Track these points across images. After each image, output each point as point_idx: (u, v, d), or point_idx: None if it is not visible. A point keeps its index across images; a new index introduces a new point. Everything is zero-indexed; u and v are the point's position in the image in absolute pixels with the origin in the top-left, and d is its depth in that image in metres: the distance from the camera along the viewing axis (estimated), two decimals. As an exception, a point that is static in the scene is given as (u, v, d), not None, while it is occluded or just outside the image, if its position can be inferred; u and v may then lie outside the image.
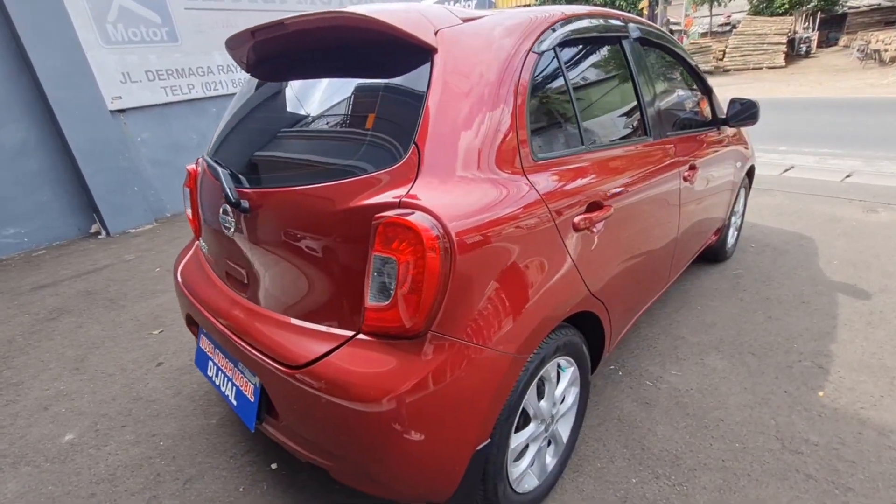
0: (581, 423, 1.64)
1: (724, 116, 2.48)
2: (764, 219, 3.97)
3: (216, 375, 1.50)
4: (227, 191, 1.26)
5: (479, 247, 1.03)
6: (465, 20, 1.24)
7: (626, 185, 1.52)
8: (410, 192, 1.02)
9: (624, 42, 1.76)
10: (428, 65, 1.12)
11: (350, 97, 1.23)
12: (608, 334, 1.61)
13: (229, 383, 1.42)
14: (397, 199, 1.01)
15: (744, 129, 3.05)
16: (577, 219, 1.29)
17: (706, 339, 2.34)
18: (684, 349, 2.27)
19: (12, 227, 4.29)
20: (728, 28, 25.70)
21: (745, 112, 2.38)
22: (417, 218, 0.97)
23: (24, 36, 3.99)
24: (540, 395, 1.39)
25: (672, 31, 33.49)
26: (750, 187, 3.34)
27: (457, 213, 1.01)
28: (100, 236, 4.69)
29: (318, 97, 1.30)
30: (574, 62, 1.53)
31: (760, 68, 18.16)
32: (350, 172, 1.10)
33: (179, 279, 1.72)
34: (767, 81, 15.44)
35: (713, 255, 3.08)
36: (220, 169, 1.35)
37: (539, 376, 1.31)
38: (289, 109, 1.35)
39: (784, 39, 18.27)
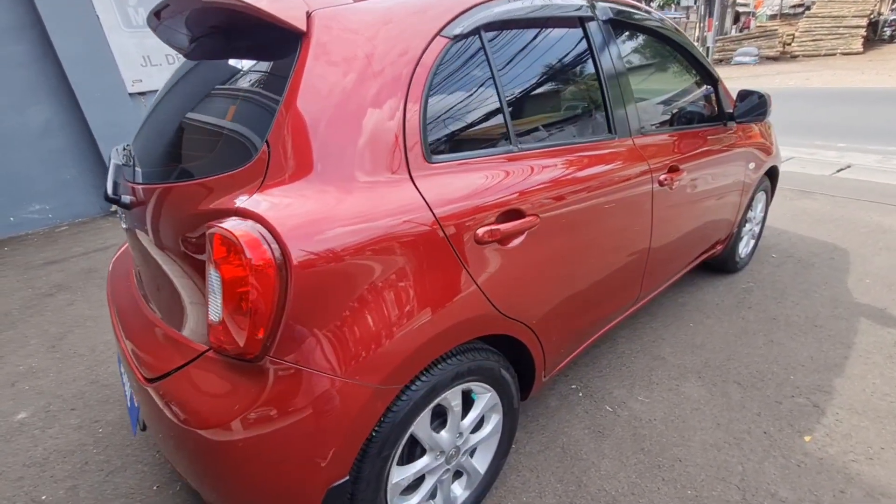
0: (506, 451, 1.49)
1: (731, 111, 2.18)
2: (797, 225, 3.56)
3: (120, 372, 1.46)
4: (107, 183, 1.20)
5: (331, 264, 0.90)
6: (360, -1, 1.09)
7: (564, 190, 1.33)
8: (252, 198, 0.90)
9: (589, 25, 1.54)
10: (295, 51, 0.98)
11: (222, 86, 1.12)
12: (539, 361, 1.43)
13: (126, 382, 1.38)
14: (234, 206, 0.89)
15: (765, 125, 2.70)
16: (481, 231, 1.12)
17: (689, 361, 2.10)
18: (660, 371, 2.04)
19: (37, 204, 4.55)
20: (801, 10, 23.50)
21: (751, 107, 2.08)
22: (245, 228, 0.85)
23: (46, 20, 4.16)
24: (444, 424, 1.25)
25: (739, 14, 31.06)
26: (773, 191, 2.97)
27: (302, 223, 0.88)
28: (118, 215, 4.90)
29: (201, 84, 1.19)
30: (508, 48, 1.33)
31: (833, 54, 16.49)
32: (204, 171, 1.00)
33: (111, 268, 1.69)
34: (838, 69, 14.01)
35: (721, 265, 2.77)
36: (113, 160, 1.29)
37: (435, 403, 1.17)
38: (181, 97, 1.26)
39: (864, 22, 16.45)
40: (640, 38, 1.84)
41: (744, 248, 2.84)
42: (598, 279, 1.55)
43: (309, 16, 0.99)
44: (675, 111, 2.02)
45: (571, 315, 1.50)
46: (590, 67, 1.54)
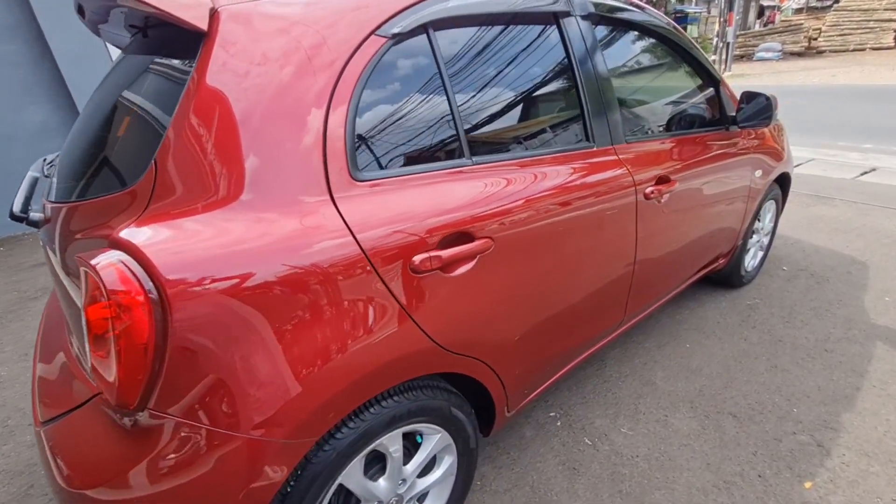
0: (464, 494, 1.35)
1: (734, 115, 1.99)
2: (812, 234, 3.32)
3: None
4: (14, 199, 1.10)
5: (220, 303, 0.77)
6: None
7: (526, 209, 1.18)
8: (131, 225, 0.78)
9: (564, 21, 1.38)
10: (196, 55, 0.86)
11: (133, 93, 1.00)
12: (499, 398, 1.29)
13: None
14: (108, 234, 0.77)
15: (776, 127, 2.49)
16: (418, 259, 0.98)
17: (682, 388, 1.92)
18: (649, 399, 1.87)
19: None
20: (829, 3, 22.61)
21: (755, 111, 1.89)
22: (109, 261, 0.72)
23: (41, 20, 4.13)
24: (385, 470, 1.12)
25: (763, 8, 30.05)
26: (784, 198, 2.75)
27: (185, 255, 0.75)
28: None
29: (116, 89, 1.08)
30: (464, 48, 1.19)
31: (862, 49, 15.79)
32: (98, 190, 0.89)
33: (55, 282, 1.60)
34: (867, 65, 13.39)
35: (725, 279, 2.58)
36: (31, 172, 1.19)
37: (369, 450, 1.04)
38: (99, 103, 1.14)
39: (896, 16, 15.71)
40: (628, 36, 1.66)
41: (750, 260, 2.63)
42: (569, 305, 1.39)
43: (214, 14, 0.87)
44: (668, 116, 1.85)
45: (537, 345, 1.35)
46: (565, 69, 1.39)
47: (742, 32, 17.50)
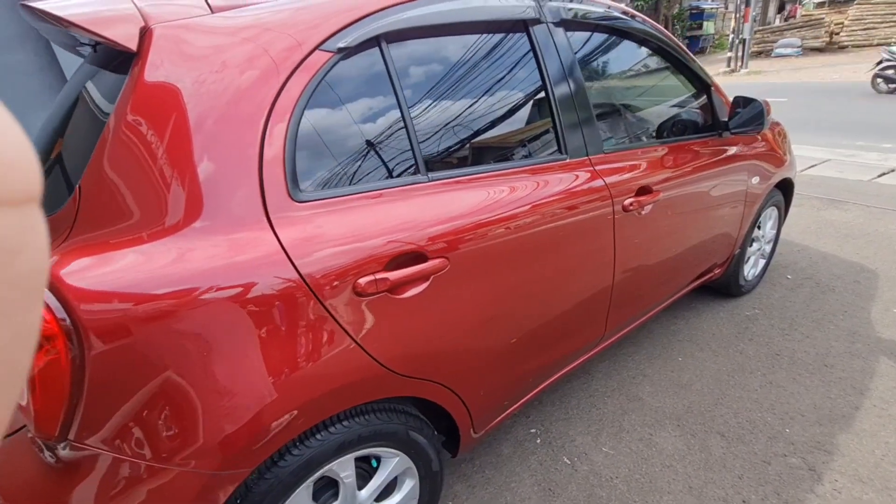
0: (429, 517, 1.31)
1: (727, 120, 1.91)
2: (821, 240, 3.19)
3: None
4: None
5: (142, 332, 0.75)
6: (221, 9, 0.93)
7: (488, 226, 1.13)
8: (53, 252, 0.76)
9: (534, 29, 1.33)
10: (126, 75, 0.84)
11: (75, 110, 0.99)
12: (463, 420, 1.25)
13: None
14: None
15: (777, 131, 2.40)
16: (363, 281, 0.95)
17: (670, 404, 1.85)
18: (634, 416, 1.81)
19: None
20: (854, -4, 21.89)
21: (746, 118, 1.81)
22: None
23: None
24: (336, 496, 1.09)
25: (784, 2, 29.23)
26: (787, 205, 2.65)
27: (104, 284, 0.73)
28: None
29: (64, 106, 1.07)
30: (422, 61, 1.15)
31: (888, 44, 15.24)
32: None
33: None
34: (892, 60, 12.90)
35: (723, 289, 2.49)
36: None
37: (317, 477, 1.01)
38: (52, 117, 1.13)
39: (924, 8, 15.10)
40: (608, 42, 1.60)
41: (750, 269, 2.54)
42: (538, 323, 1.34)
43: (145, 32, 0.84)
44: (655, 124, 1.78)
45: (504, 366, 1.30)
46: (534, 79, 1.34)
47: (760, 28, 17.05)
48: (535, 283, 1.28)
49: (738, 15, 12.06)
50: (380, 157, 1.06)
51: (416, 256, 1.02)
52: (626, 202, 1.47)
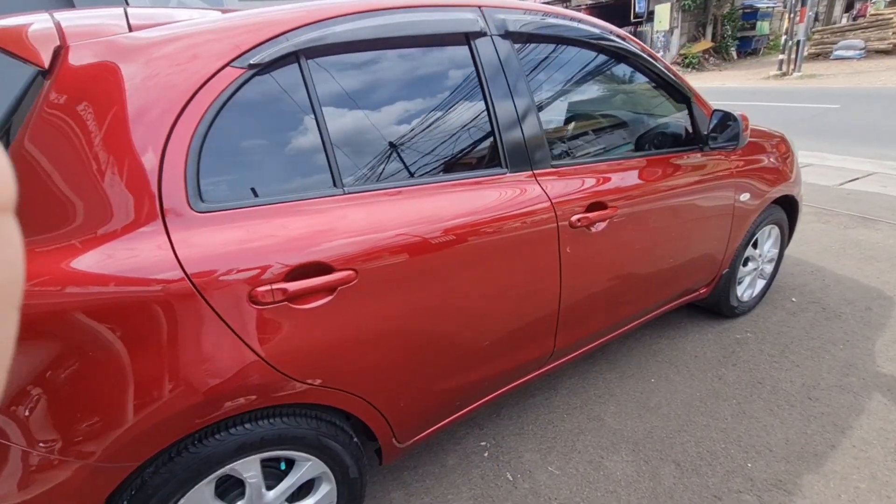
0: (350, 523, 1.33)
1: (707, 133, 1.82)
2: (841, 261, 2.97)
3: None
4: None
5: (36, 330, 0.81)
6: (140, 27, 0.99)
7: (401, 239, 1.14)
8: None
9: (476, 42, 1.32)
10: (40, 95, 0.90)
11: (13, 117, 1.07)
12: (382, 430, 1.26)
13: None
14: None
15: (778, 143, 2.26)
16: (261, 290, 0.98)
17: (630, 427, 1.79)
18: (590, 437, 1.76)
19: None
20: (933, -7, 20.08)
21: (721, 133, 1.72)
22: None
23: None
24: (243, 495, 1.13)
25: (853, 1, 27.20)
26: (792, 224, 2.48)
27: None
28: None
29: (7, 114, 1.16)
30: (347, 75, 1.17)
31: (967, 46, 13.90)
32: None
33: None
34: (970, 64, 11.79)
35: (714, 308, 2.37)
36: None
37: (218, 475, 1.06)
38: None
39: None
40: (565, 54, 1.56)
41: (745, 290, 2.40)
42: (468, 340, 1.33)
43: (61, 50, 0.91)
44: (621, 138, 1.72)
45: (428, 380, 1.30)
46: (474, 92, 1.33)
47: (820, 29, 15.97)
48: (461, 300, 1.27)
49: (791, 15, 11.35)
50: (292, 170, 1.09)
51: (320, 267, 1.05)
52: (574, 218, 1.44)
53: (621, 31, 1.64)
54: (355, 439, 1.26)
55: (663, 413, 1.85)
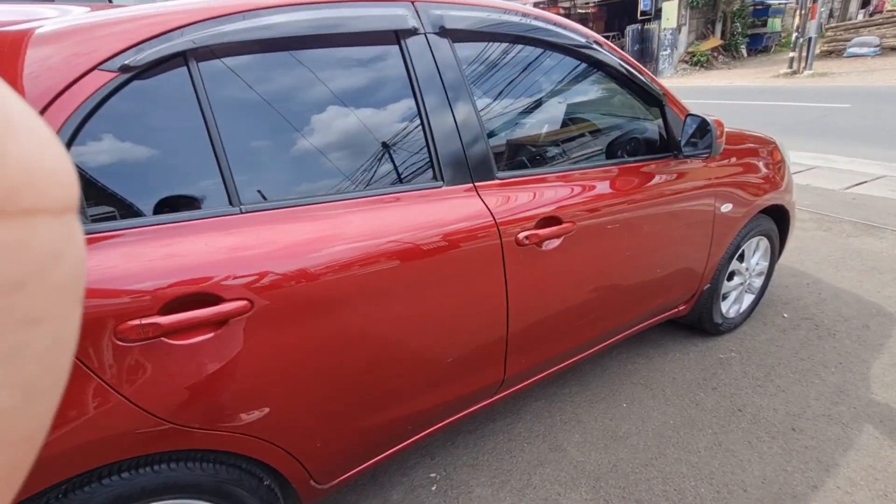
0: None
1: (681, 140, 1.67)
2: (840, 273, 2.79)
3: None
4: None
5: None
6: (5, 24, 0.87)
7: (306, 262, 1.01)
8: None
9: (407, 41, 1.19)
10: None
11: None
12: (293, 473, 1.14)
13: None
14: None
15: (768, 149, 2.10)
16: (128, 325, 0.86)
17: (594, 459, 1.65)
18: (549, 470, 1.62)
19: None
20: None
21: (695, 140, 1.57)
22: None
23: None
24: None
25: (871, -6, 26.50)
26: (783, 236, 2.31)
27: None
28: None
29: None
30: (249, 79, 1.04)
31: None
32: None
33: None
34: None
35: (696, 325, 2.21)
36: None
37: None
38: None
39: None
40: (517, 54, 1.42)
41: (731, 306, 2.24)
42: (395, 373, 1.20)
43: None
44: (583, 146, 1.58)
45: (350, 416, 1.18)
46: (404, 97, 1.20)
47: (832, 25, 15.53)
48: (382, 330, 1.14)
49: (801, 11, 11.02)
50: (176, 186, 0.97)
51: (205, 298, 0.92)
52: (522, 235, 1.30)
53: (585, 30, 1.50)
54: (266, 483, 1.14)
55: (632, 443, 1.70)
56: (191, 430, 0.96)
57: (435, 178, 1.22)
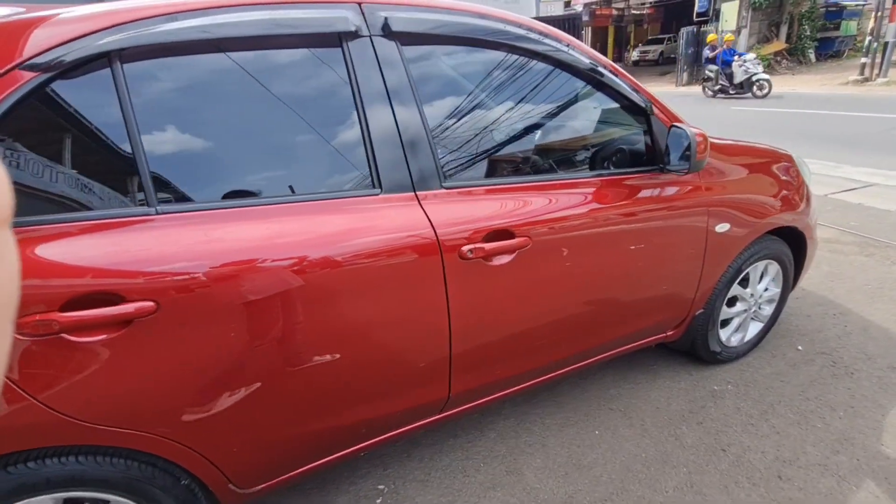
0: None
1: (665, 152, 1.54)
2: (875, 304, 2.51)
3: None
4: None
5: None
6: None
7: (225, 270, 1.00)
8: None
9: (351, 44, 1.16)
10: None
11: None
12: (209, 475, 1.13)
13: None
14: None
15: (781, 165, 1.92)
16: (32, 320, 0.87)
17: (550, 488, 1.55)
18: (500, 494, 1.54)
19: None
20: None
21: (676, 153, 1.44)
22: None
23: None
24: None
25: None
26: (798, 262, 2.10)
27: None
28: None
29: None
30: (177, 79, 1.05)
31: None
32: None
33: None
34: None
35: (692, 352, 2.05)
36: None
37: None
38: None
39: None
40: (478, 56, 1.35)
41: (733, 334, 2.06)
42: (321, 383, 1.17)
43: None
44: (545, 155, 1.49)
45: (272, 424, 1.16)
46: (344, 100, 1.16)
47: (918, 29, 14.11)
48: (304, 339, 1.11)
49: (878, 13, 10.09)
50: (91, 186, 0.98)
51: (110, 298, 0.93)
52: (467, 249, 1.23)
53: (554, 31, 1.41)
54: (185, 482, 1.14)
55: (595, 474, 1.59)
56: (93, 427, 0.97)
57: (373, 185, 1.18)
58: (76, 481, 1.01)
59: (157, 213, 0.99)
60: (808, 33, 15.42)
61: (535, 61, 1.40)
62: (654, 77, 18.55)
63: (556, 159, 1.52)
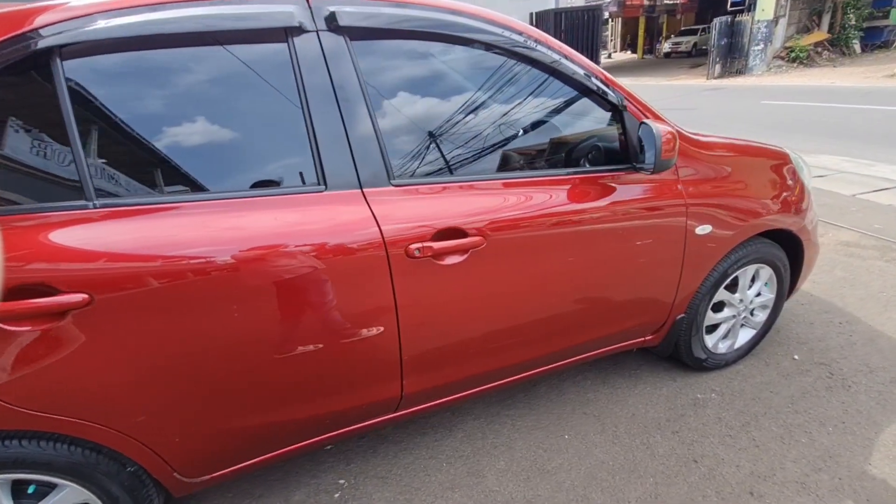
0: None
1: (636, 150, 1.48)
2: (887, 313, 2.36)
3: None
4: None
5: None
6: None
7: (160, 264, 1.01)
8: None
9: (297, 40, 1.15)
10: None
11: None
12: (152, 464, 1.16)
13: None
14: None
15: (776, 164, 1.82)
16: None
17: (508, 492, 1.52)
18: (458, 495, 1.52)
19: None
20: None
21: (644, 150, 1.38)
22: None
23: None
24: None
25: None
26: (796, 264, 1.98)
27: None
28: None
29: None
30: (117, 76, 1.06)
31: None
32: None
33: None
34: None
35: (675, 357, 1.98)
36: None
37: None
38: None
39: None
40: (433, 49, 1.32)
41: (721, 341, 1.97)
42: (262, 377, 1.17)
43: None
44: (503, 152, 1.43)
45: (215, 416, 1.17)
46: (287, 95, 1.15)
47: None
48: (243, 335, 1.11)
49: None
50: (29, 179, 1.01)
51: (44, 290, 0.96)
52: (415, 247, 1.21)
53: (517, 24, 1.36)
54: (131, 469, 1.17)
55: (558, 480, 1.56)
56: (32, 414, 1.00)
57: (318, 182, 1.17)
58: (19, 463, 1.04)
59: (94, 208, 1.01)
60: (854, 22, 14.54)
61: (495, 55, 1.36)
62: (683, 70, 17.88)
63: (517, 157, 1.48)
